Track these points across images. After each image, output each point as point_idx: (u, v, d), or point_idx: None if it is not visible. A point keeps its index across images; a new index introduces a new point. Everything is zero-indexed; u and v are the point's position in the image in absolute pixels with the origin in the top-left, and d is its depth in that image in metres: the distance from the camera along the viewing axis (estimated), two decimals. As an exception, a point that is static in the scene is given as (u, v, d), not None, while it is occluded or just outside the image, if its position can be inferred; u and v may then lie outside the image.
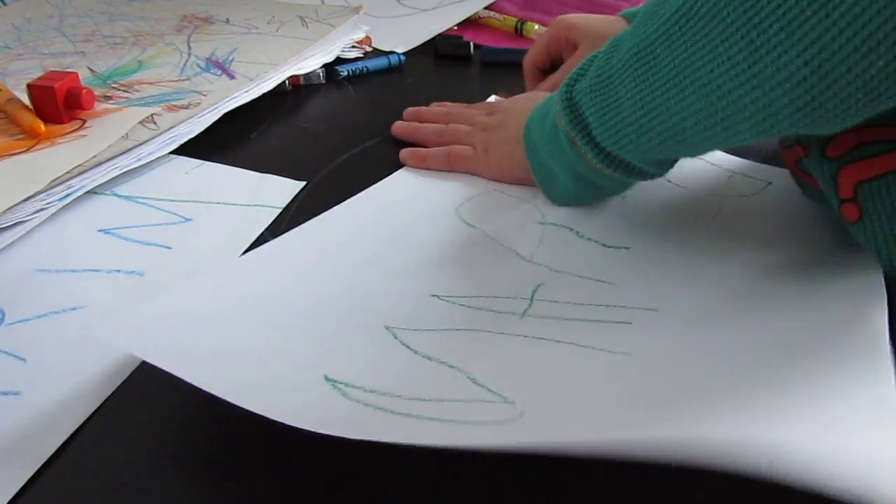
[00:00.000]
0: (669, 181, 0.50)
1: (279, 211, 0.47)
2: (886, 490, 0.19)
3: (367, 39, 0.74)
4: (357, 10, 0.74)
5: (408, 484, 0.29)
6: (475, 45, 0.75)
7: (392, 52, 0.72)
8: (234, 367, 0.31)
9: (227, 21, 0.74)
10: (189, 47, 0.67)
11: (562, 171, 0.45)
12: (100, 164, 0.47)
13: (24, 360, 0.35)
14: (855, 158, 0.35)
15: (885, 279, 0.36)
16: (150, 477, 0.29)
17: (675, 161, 0.43)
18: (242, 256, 0.40)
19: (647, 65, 0.36)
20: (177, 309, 0.34)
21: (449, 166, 0.52)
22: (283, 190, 0.49)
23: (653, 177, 0.43)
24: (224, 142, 0.55)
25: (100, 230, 0.44)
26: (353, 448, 0.25)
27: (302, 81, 0.66)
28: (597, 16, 0.60)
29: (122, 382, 0.34)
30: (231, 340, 0.32)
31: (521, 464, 0.29)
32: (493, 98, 0.64)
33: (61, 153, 0.48)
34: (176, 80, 0.60)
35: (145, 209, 0.47)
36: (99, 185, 0.48)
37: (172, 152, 0.52)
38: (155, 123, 0.52)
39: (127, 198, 0.48)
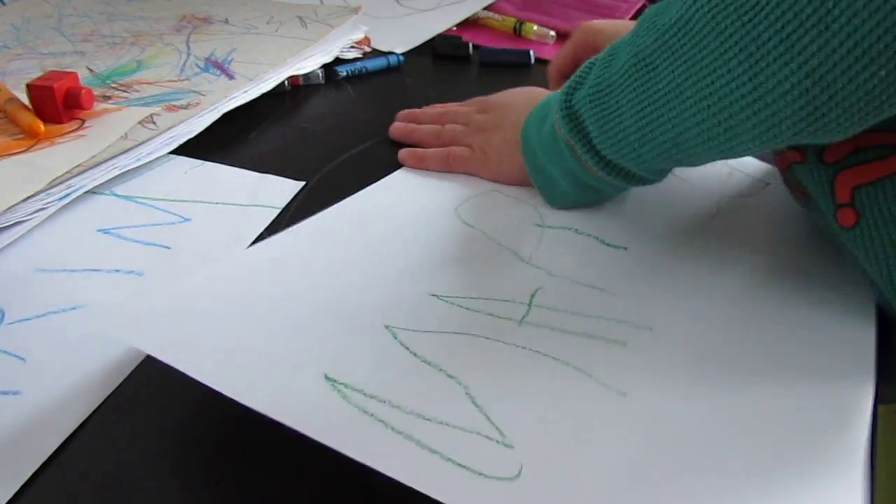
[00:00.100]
0: (673, 173, 0.50)
1: (278, 211, 0.47)
2: None
3: (366, 40, 0.74)
4: (356, 10, 0.74)
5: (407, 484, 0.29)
6: (474, 46, 0.76)
7: (391, 53, 0.72)
8: (236, 361, 0.31)
9: (226, 21, 0.74)
10: (188, 47, 0.67)
11: (560, 176, 0.45)
12: (99, 163, 0.47)
13: (23, 359, 0.35)
14: (852, 163, 0.35)
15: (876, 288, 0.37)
16: (150, 477, 0.30)
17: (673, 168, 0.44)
18: (245, 251, 0.40)
19: (646, 75, 0.36)
20: (179, 303, 0.34)
21: (447, 167, 0.52)
22: (282, 190, 0.49)
23: (652, 183, 0.43)
24: (223, 142, 0.55)
25: (99, 230, 0.44)
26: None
27: (301, 82, 0.66)
28: (623, 21, 0.59)
29: (122, 382, 0.34)
30: (233, 335, 0.32)
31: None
32: None
33: (61, 153, 0.48)
34: (175, 80, 0.60)
35: (145, 209, 0.47)
36: (98, 185, 0.48)
37: (172, 152, 0.52)
38: (154, 123, 0.52)
39: (126, 198, 0.48)
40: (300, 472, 0.30)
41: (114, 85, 0.60)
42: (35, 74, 0.54)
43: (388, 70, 0.71)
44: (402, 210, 0.46)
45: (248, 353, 0.31)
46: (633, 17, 0.84)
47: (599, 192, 0.45)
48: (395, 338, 0.33)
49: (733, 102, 0.32)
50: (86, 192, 0.47)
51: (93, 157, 0.47)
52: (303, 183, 0.50)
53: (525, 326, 0.35)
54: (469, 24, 0.83)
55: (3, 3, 0.81)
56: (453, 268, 0.40)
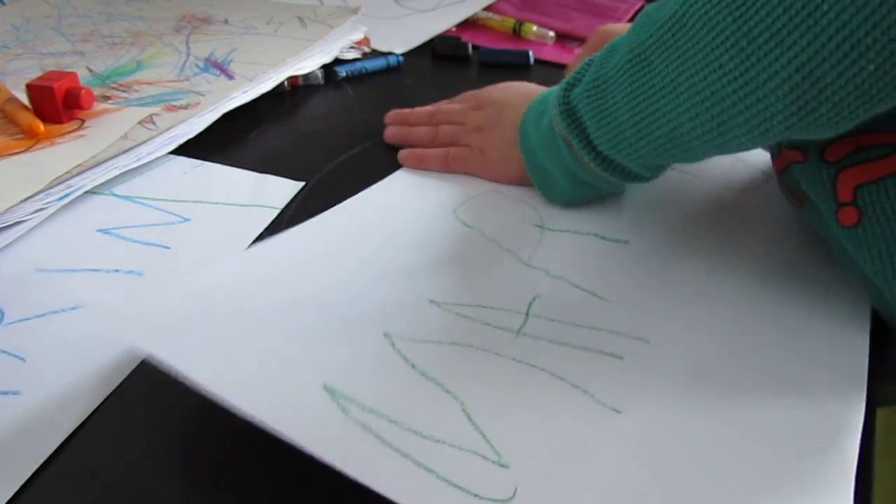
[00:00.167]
0: (675, 166, 0.50)
1: (278, 211, 0.47)
2: None
3: (366, 40, 0.74)
4: (356, 10, 0.74)
5: None
6: (473, 46, 0.76)
7: (390, 53, 0.72)
8: (236, 367, 0.31)
9: (226, 21, 0.74)
10: (188, 47, 0.67)
11: (558, 173, 0.45)
12: (99, 164, 0.47)
13: (23, 359, 0.35)
14: (854, 162, 0.35)
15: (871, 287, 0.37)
16: (150, 476, 0.30)
17: (670, 165, 0.44)
18: (245, 251, 0.40)
19: (641, 70, 0.36)
20: (179, 304, 0.34)
21: (447, 167, 0.52)
22: (281, 190, 0.49)
23: (648, 180, 0.44)
24: (223, 142, 0.55)
25: (99, 230, 0.45)
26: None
27: (301, 82, 0.66)
28: None
29: (122, 382, 0.34)
30: (233, 340, 0.32)
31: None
32: None
33: (60, 153, 0.48)
34: (175, 81, 0.60)
35: (144, 209, 0.47)
36: (98, 185, 0.48)
37: (171, 152, 0.52)
38: (154, 123, 0.52)
39: (126, 198, 0.48)
40: (300, 471, 0.30)
41: (113, 85, 0.60)
42: (34, 74, 0.54)
43: (387, 70, 0.71)
44: (402, 212, 0.46)
45: (248, 359, 0.32)
46: (632, 18, 0.83)
47: (596, 189, 0.45)
48: (394, 346, 0.33)
49: (726, 97, 0.32)
50: (85, 193, 0.47)
51: (92, 157, 0.47)
52: (302, 183, 0.50)
53: (522, 338, 0.35)
54: (468, 24, 0.83)
55: (3, 3, 0.81)
56: (453, 272, 0.40)
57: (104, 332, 0.32)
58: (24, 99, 0.53)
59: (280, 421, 0.28)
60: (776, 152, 0.44)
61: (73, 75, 0.53)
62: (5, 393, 0.33)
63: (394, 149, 0.54)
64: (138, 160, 0.50)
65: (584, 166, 0.43)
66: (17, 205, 0.43)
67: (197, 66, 0.63)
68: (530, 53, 0.73)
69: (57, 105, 0.51)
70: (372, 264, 0.40)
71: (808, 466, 0.29)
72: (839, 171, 0.36)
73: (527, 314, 0.37)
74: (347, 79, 0.69)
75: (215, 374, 0.30)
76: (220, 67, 0.62)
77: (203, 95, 0.57)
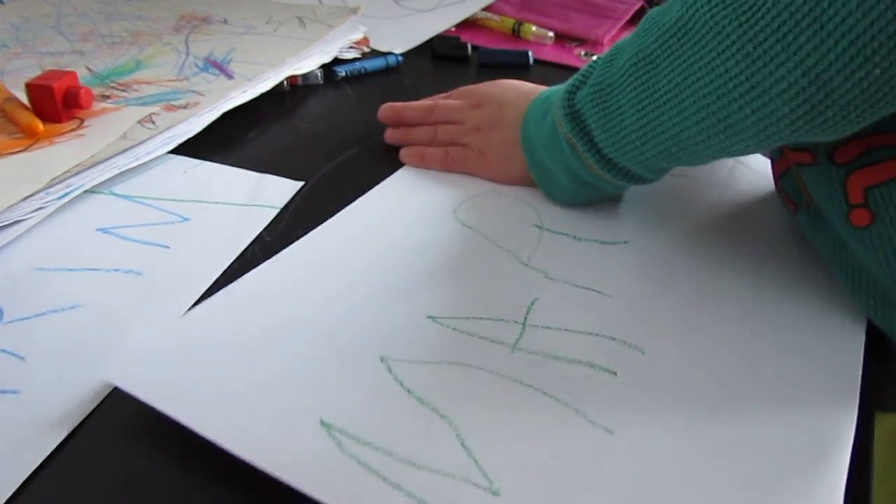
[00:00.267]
0: (677, 169, 0.50)
1: (277, 211, 0.47)
2: None
3: (365, 40, 0.74)
4: (355, 10, 0.74)
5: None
6: (473, 47, 0.76)
7: (390, 53, 0.72)
8: (231, 408, 0.31)
9: (225, 21, 0.74)
10: (187, 47, 0.68)
11: (560, 173, 0.45)
12: (98, 163, 0.47)
13: (22, 358, 0.35)
14: (864, 164, 0.35)
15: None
16: (149, 476, 0.30)
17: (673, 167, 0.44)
18: (237, 282, 0.39)
19: (646, 74, 0.36)
20: (172, 349, 0.34)
21: (446, 167, 0.52)
22: (281, 190, 0.49)
23: (651, 182, 0.44)
24: (222, 141, 0.55)
25: (98, 229, 0.45)
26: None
27: (300, 82, 0.66)
28: None
29: (121, 381, 0.34)
30: (228, 384, 0.32)
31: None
32: None
33: (60, 152, 0.48)
34: (174, 80, 0.60)
35: (143, 208, 0.47)
36: (97, 185, 0.48)
37: (171, 152, 0.52)
38: (153, 123, 0.52)
39: (125, 197, 0.48)
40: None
41: (113, 84, 0.60)
42: (34, 74, 0.54)
43: (386, 70, 0.71)
44: (402, 215, 0.46)
45: (245, 396, 0.32)
46: (631, 19, 0.84)
47: (598, 189, 0.45)
48: (390, 371, 0.33)
49: (732, 101, 0.32)
50: (85, 192, 0.47)
51: (92, 156, 0.48)
52: (301, 183, 0.50)
53: (518, 353, 0.35)
54: (468, 24, 0.83)
55: (2, 3, 0.81)
56: (451, 279, 0.40)
57: (104, 377, 0.32)
58: (23, 98, 0.53)
59: (279, 465, 0.28)
60: (777, 156, 0.44)
61: (72, 74, 0.53)
62: (4, 392, 0.33)
63: (392, 148, 0.54)
64: (137, 159, 0.50)
65: (588, 168, 0.43)
66: (16, 204, 0.43)
67: (196, 65, 0.63)
68: (529, 54, 0.73)
69: (56, 104, 0.51)
70: (368, 277, 0.40)
71: (797, 486, 0.29)
72: (849, 174, 0.36)
73: (524, 324, 0.37)
74: (347, 78, 0.69)
75: (212, 421, 0.30)
76: (219, 67, 0.62)
77: (202, 95, 0.57)
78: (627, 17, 0.83)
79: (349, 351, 0.35)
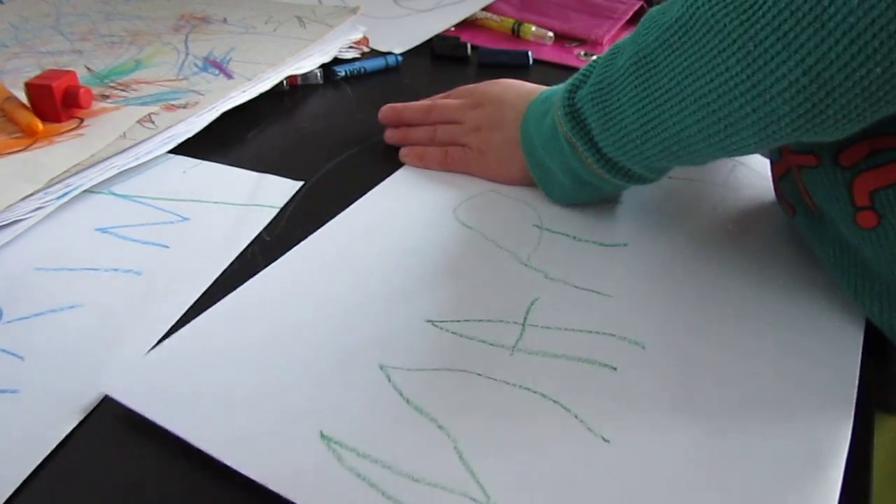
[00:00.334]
0: (677, 168, 0.50)
1: (277, 210, 0.47)
2: None
3: (365, 40, 0.74)
4: (354, 10, 0.74)
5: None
6: (472, 47, 0.76)
7: (389, 53, 0.72)
8: (229, 421, 0.31)
9: (225, 21, 0.74)
10: (187, 47, 0.67)
11: (560, 172, 0.45)
12: (97, 162, 0.47)
13: (21, 357, 0.35)
14: (870, 166, 0.35)
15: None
16: (149, 476, 0.30)
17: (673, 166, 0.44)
18: (235, 292, 0.39)
19: (647, 73, 0.36)
20: (172, 355, 0.34)
21: (446, 167, 0.52)
22: (280, 189, 0.49)
23: (651, 181, 0.44)
24: (222, 141, 0.55)
25: (97, 229, 0.44)
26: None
27: (299, 81, 0.66)
28: None
29: (121, 381, 0.34)
30: (225, 390, 0.32)
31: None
32: None
33: (59, 152, 0.48)
34: (173, 80, 0.60)
35: (143, 208, 0.47)
36: (97, 184, 0.48)
37: (170, 151, 0.52)
38: (153, 122, 0.52)
39: (125, 197, 0.48)
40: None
41: (112, 84, 0.60)
42: (33, 73, 0.54)
43: (386, 70, 0.71)
44: (402, 216, 0.46)
45: (244, 409, 0.32)
46: (631, 19, 0.84)
47: (598, 189, 0.45)
48: (389, 380, 0.33)
49: (733, 100, 0.32)
50: (84, 191, 0.47)
51: (91, 156, 0.48)
52: (301, 183, 0.50)
53: (517, 355, 0.35)
54: (467, 24, 0.83)
55: (2, 2, 0.81)
56: (451, 279, 0.40)
57: (105, 391, 0.32)
58: (22, 98, 0.53)
59: (278, 478, 0.28)
60: (776, 157, 0.44)
61: (71, 74, 0.53)
62: (4, 391, 0.33)
63: (392, 148, 0.54)
64: (137, 159, 0.50)
65: (588, 167, 0.43)
66: (15, 203, 0.43)
67: (196, 65, 0.63)
68: (529, 54, 0.73)
69: (56, 104, 0.51)
70: (368, 281, 0.40)
71: (793, 489, 0.29)
72: (855, 176, 0.36)
73: (523, 324, 0.37)
74: (346, 78, 0.69)
75: (210, 433, 0.30)
76: (218, 67, 0.62)
77: (202, 94, 0.57)
78: (627, 17, 0.84)
79: (348, 359, 0.34)
